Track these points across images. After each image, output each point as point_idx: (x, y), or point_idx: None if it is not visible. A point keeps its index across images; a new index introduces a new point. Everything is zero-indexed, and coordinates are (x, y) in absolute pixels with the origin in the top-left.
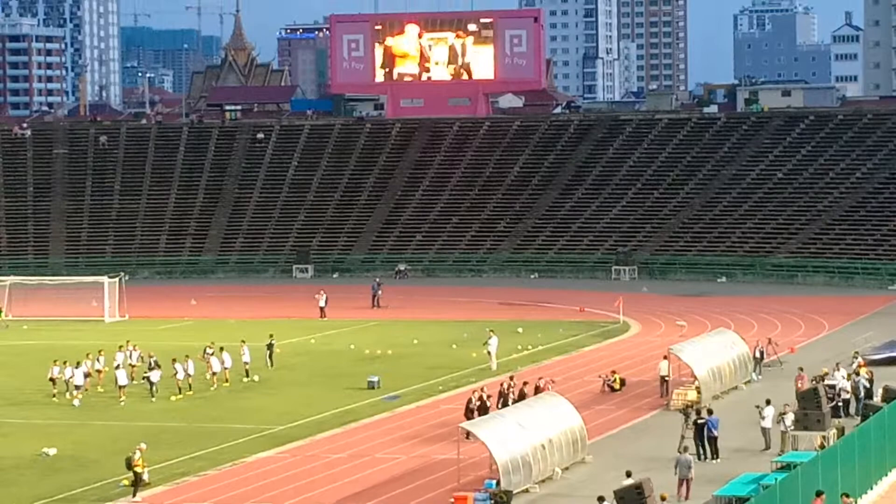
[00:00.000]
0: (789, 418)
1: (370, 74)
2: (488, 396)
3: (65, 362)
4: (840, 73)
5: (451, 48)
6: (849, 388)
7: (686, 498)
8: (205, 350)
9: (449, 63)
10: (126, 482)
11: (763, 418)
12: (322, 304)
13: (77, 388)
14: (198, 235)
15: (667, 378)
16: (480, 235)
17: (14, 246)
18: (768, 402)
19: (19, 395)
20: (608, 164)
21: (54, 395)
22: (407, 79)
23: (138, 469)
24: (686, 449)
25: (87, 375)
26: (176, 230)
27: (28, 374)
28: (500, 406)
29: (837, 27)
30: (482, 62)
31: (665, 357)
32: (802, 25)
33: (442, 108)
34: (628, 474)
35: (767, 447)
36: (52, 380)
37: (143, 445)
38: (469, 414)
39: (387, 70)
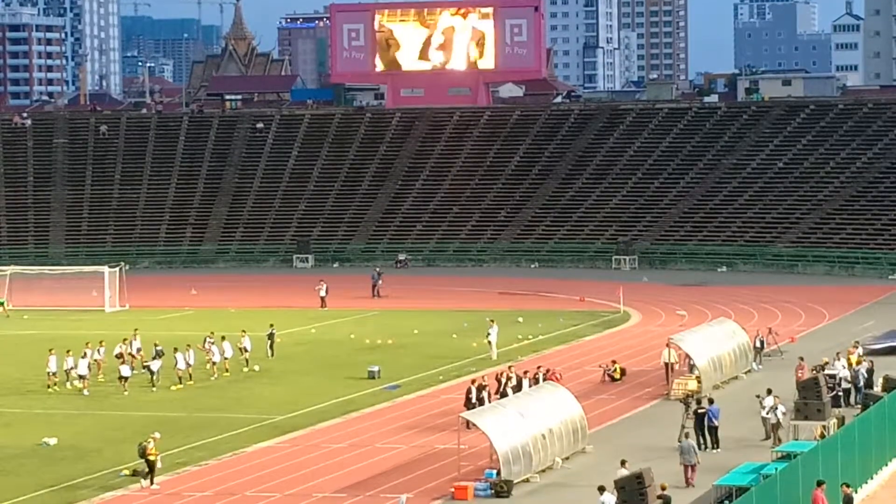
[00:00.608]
0: (780, 410)
1: (370, 64)
2: (486, 386)
3: (68, 351)
4: (840, 63)
5: (448, 36)
6: (849, 378)
7: (689, 483)
8: (205, 339)
9: (448, 52)
10: (127, 472)
11: (763, 408)
12: (322, 293)
13: (81, 377)
14: (198, 225)
15: (675, 364)
16: (481, 225)
17: (14, 236)
18: (769, 392)
19: (20, 384)
20: (608, 153)
21: (50, 386)
22: (407, 68)
23: (152, 458)
24: (687, 436)
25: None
26: (176, 220)
27: (29, 363)
28: (499, 396)
29: (838, 16)
30: (482, 51)
31: (667, 345)
32: (803, 15)
33: (442, 98)
34: (622, 463)
35: (768, 437)
36: (48, 373)
37: (157, 435)
38: (469, 404)
39: (387, 59)
